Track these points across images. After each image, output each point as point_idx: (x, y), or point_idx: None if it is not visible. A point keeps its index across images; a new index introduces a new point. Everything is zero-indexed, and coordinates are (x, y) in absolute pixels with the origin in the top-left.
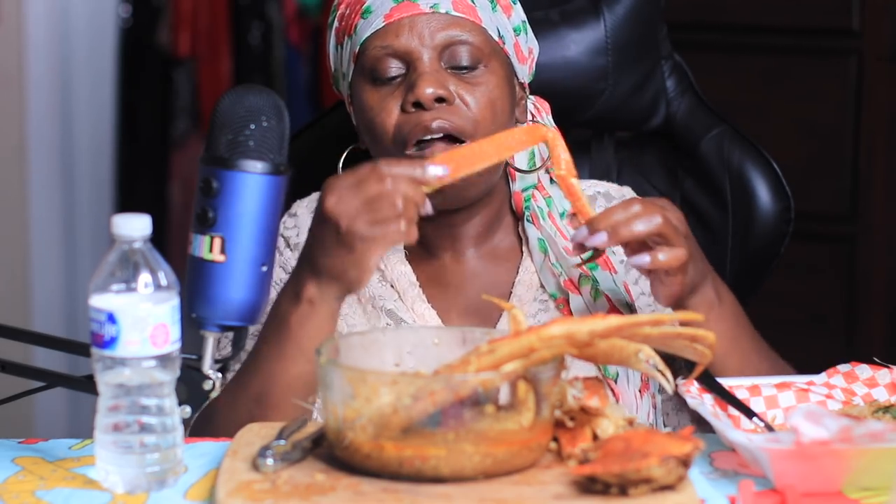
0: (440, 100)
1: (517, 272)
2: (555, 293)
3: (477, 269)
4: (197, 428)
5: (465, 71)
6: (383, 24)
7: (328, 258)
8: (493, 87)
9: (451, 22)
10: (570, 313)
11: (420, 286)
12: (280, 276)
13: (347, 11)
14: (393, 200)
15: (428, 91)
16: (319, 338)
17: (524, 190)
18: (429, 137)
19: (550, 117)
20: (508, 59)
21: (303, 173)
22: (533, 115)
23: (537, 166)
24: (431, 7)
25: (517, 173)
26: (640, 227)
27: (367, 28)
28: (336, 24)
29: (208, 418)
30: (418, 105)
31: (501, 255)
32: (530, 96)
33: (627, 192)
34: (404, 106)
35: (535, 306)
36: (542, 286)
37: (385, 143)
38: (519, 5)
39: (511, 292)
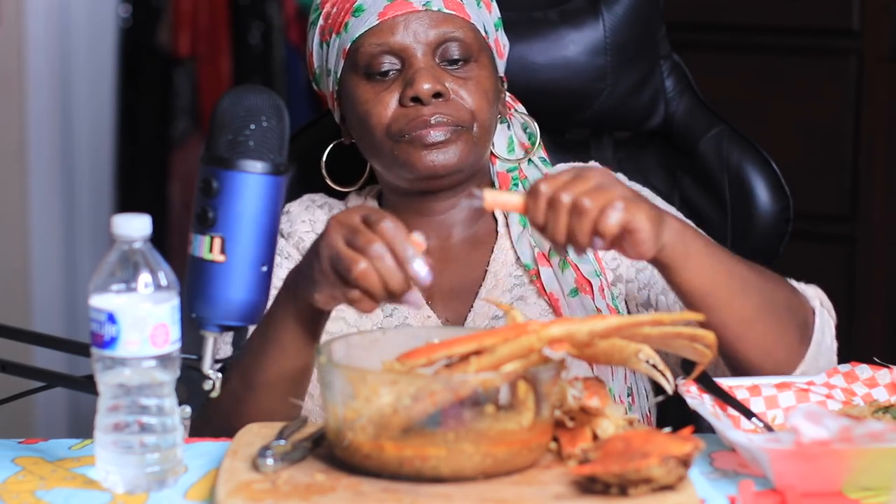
0: (437, 95)
1: (492, 252)
2: (529, 264)
3: (459, 254)
4: (195, 422)
5: (457, 66)
6: (377, 21)
7: (301, 272)
8: (484, 80)
9: (443, 19)
10: (542, 285)
11: None
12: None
13: (334, 10)
14: (364, 273)
15: (426, 86)
16: (296, 339)
17: (510, 171)
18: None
19: (523, 107)
20: (492, 53)
21: (303, 173)
22: (510, 105)
23: (517, 154)
24: (424, 5)
25: (497, 159)
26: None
27: (360, 26)
28: (321, 22)
29: (205, 409)
30: (416, 100)
31: (481, 238)
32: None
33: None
34: (402, 100)
35: (510, 281)
36: (517, 260)
37: (378, 133)
38: (495, 2)
39: (486, 270)
